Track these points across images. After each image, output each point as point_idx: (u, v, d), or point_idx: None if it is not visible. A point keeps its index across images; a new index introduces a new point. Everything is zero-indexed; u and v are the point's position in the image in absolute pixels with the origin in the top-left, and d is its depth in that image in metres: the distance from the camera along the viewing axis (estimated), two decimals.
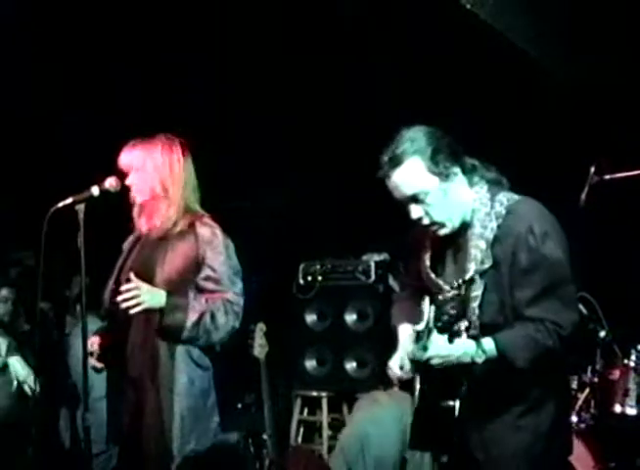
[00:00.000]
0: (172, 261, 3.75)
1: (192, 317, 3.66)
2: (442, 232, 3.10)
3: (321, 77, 5.98)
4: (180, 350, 3.72)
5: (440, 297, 2.97)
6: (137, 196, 3.87)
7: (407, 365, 3.20)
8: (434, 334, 2.90)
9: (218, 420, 3.86)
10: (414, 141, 3.05)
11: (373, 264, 6.50)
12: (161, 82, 5.81)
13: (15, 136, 5.74)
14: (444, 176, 3.03)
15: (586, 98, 5.75)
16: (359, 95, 6.07)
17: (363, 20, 5.34)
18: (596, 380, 4.66)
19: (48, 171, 6.01)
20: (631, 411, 4.55)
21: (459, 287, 2.89)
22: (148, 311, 3.66)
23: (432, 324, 2.95)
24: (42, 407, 5.72)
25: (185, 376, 3.70)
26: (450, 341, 2.87)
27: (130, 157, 3.86)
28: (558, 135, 5.82)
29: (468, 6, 4.84)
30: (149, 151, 3.87)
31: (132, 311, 3.62)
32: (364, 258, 6.60)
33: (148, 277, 3.70)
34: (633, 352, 4.62)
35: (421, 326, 3.08)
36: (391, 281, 6.52)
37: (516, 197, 3.10)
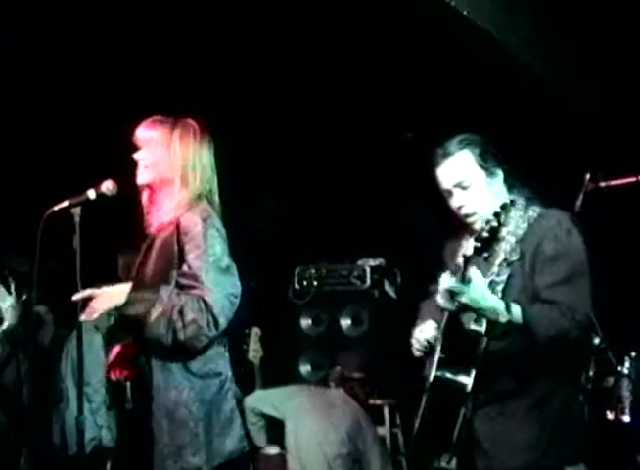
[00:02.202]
0: (154, 258, 3.44)
1: (156, 310, 3.25)
2: (478, 225, 3.23)
3: (320, 81, 5.98)
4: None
5: (482, 224, 3.11)
6: (143, 175, 3.53)
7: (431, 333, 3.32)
8: (471, 270, 3.01)
9: (240, 433, 3.47)
10: (466, 139, 3.31)
11: (368, 270, 6.52)
12: (156, 82, 5.80)
13: (6, 138, 5.72)
14: (489, 173, 3.28)
15: (582, 104, 5.76)
16: (356, 101, 6.07)
17: (357, 24, 5.35)
18: (590, 387, 4.66)
19: (42, 174, 6.00)
20: (625, 418, 4.56)
21: (503, 207, 3.09)
22: None
23: (470, 253, 3.04)
24: (35, 410, 5.71)
25: (175, 387, 3.33)
26: (487, 258, 3.08)
27: (156, 130, 3.53)
28: (553, 142, 5.83)
29: (465, 12, 4.84)
30: (182, 130, 3.54)
31: (89, 319, 3.35)
32: (359, 263, 6.62)
33: (144, 277, 3.46)
34: (627, 359, 4.63)
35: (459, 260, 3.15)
36: (387, 286, 6.54)
37: (547, 208, 3.30)
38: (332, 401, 5.42)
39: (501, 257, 3.11)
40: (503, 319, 3.02)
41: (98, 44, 5.46)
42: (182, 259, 3.35)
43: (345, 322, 6.54)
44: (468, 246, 3.10)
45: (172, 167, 3.50)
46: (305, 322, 6.64)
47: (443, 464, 3.21)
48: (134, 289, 3.37)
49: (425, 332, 3.37)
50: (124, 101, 5.70)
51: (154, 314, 3.26)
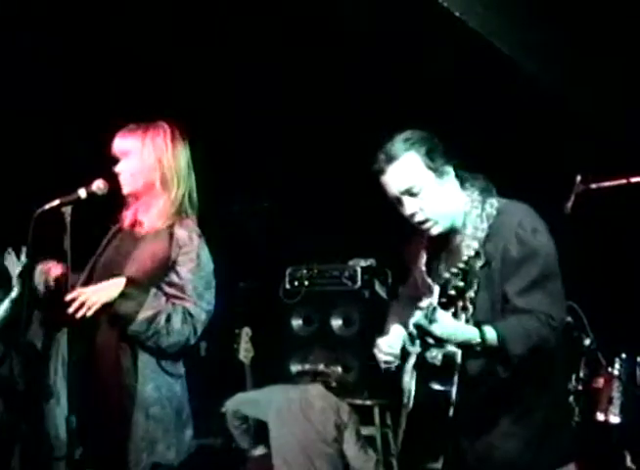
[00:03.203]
0: (140, 260, 3.50)
1: (146, 312, 3.38)
2: (435, 231, 3.12)
3: (310, 82, 5.98)
4: (146, 356, 3.47)
5: (447, 274, 2.88)
6: (125, 186, 3.59)
7: (396, 346, 3.20)
8: (439, 312, 2.84)
9: (192, 433, 3.59)
10: (409, 139, 3.11)
11: (359, 270, 6.51)
12: (151, 81, 5.80)
13: None
14: (439, 173, 3.08)
15: (573, 106, 5.76)
16: (347, 100, 6.08)
17: (350, 24, 5.35)
18: (580, 388, 4.67)
19: (31, 172, 5.98)
20: (615, 420, 4.57)
21: (466, 262, 2.85)
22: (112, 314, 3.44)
23: (436, 302, 2.87)
24: (28, 410, 5.69)
25: (151, 384, 3.44)
26: (455, 315, 2.86)
27: (128, 140, 3.58)
28: (545, 142, 5.84)
29: (457, 14, 4.85)
30: (152, 136, 3.57)
31: (89, 313, 3.35)
32: (350, 263, 6.61)
33: (115, 275, 3.49)
34: (617, 360, 4.64)
35: (424, 303, 2.97)
36: (378, 287, 6.54)
37: (505, 200, 3.15)
38: (312, 401, 5.42)
39: (474, 284, 2.91)
40: (478, 348, 2.91)
41: (93, 44, 5.46)
42: (169, 269, 3.49)
43: (336, 322, 6.53)
44: (433, 293, 2.92)
45: (150, 173, 3.57)
46: (296, 322, 6.63)
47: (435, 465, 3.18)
48: (128, 285, 3.42)
49: (391, 344, 3.22)
50: (118, 100, 5.70)
51: (141, 315, 3.38)
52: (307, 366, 5.79)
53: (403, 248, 3.41)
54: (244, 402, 5.54)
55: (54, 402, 5.80)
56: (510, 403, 3.05)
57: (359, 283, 6.48)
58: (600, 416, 4.59)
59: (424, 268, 3.23)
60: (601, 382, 4.65)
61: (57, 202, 3.47)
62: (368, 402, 6.23)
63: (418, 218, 3.10)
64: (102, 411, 3.47)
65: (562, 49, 5.52)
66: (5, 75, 5.38)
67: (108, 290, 3.40)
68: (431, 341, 2.89)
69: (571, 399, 4.67)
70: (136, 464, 3.40)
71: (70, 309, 3.36)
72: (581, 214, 4.32)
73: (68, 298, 3.37)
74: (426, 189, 3.06)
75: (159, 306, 3.41)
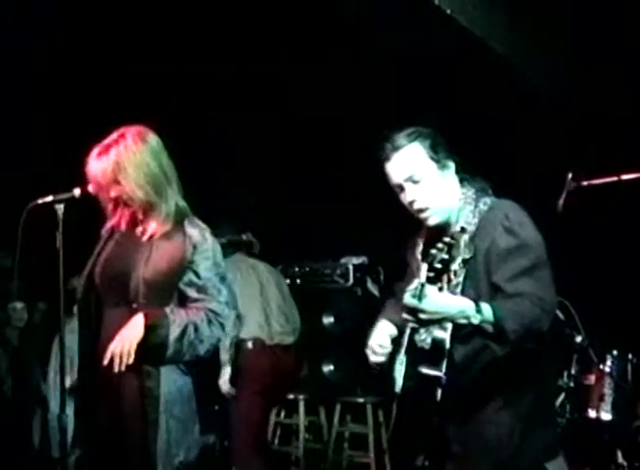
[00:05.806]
0: (157, 262, 3.43)
1: (174, 332, 3.37)
2: (432, 221, 3.22)
3: (300, 78, 5.99)
4: None
5: (433, 251, 2.96)
6: (125, 209, 3.49)
7: (387, 344, 3.28)
8: (427, 287, 2.92)
9: (199, 427, 3.58)
10: (415, 132, 3.24)
11: (351, 268, 6.53)
12: (136, 77, 5.80)
13: None
14: (441, 165, 3.22)
15: (564, 103, 5.78)
16: (340, 97, 6.08)
17: (340, 24, 5.36)
18: (572, 385, 4.69)
19: (23, 169, 5.98)
20: (606, 416, 4.58)
21: (452, 236, 2.96)
22: (126, 308, 3.40)
23: (424, 279, 2.95)
24: (15, 408, 5.69)
25: (172, 384, 3.44)
26: (440, 289, 2.96)
27: (103, 164, 3.41)
28: (535, 140, 5.85)
29: (448, 11, 4.86)
30: (126, 152, 3.43)
31: (131, 361, 3.31)
32: (342, 261, 6.63)
33: (125, 278, 3.42)
34: (609, 357, 4.66)
35: (412, 285, 3.02)
36: (370, 284, 6.55)
37: (498, 200, 3.24)
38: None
39: (458, 257, 3.00)
40: (475, 320, 2.95)
41: (89, 44, 5.47)
42: (186, 269, 3.47)
43: (328, 320, 6.55)
44: (421, 271, 2.99)
45: (157, 187, 3.49)
46: None
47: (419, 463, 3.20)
48: (149, 317, 3.38)
49: (382, 343, 3.29)
50: (116, 99, 5.70)
51: (171, 337, 3.38)
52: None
53: (404, 248, 3.48)
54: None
55: (51, 403, 5.79)
56: (496, 393, 3.09)
57: (351, 281, 6.50)
58: (591, 413, 4.60)
59: (419, 256, 3.32)
60: (592, 379, 4.66)
61: (50, 198, 3.45)
62: (360, 400, 6.25)
63: (417, 206, 3.21)
64: (119, 415, 3.41)
65: (554, 47, 5.55)
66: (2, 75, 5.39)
67: (133, 332, 3.35)
68: (424, 317, 2.93)
69: (563, 395, 4.68)
70: (164, 466, 3.38)
71: (115, 369, 3.31)
72: (573, 212, 4.33)
73: (106, 362, 3.32)
74: (427, 178, 3.19)
75: (182, 321, 3.40)
